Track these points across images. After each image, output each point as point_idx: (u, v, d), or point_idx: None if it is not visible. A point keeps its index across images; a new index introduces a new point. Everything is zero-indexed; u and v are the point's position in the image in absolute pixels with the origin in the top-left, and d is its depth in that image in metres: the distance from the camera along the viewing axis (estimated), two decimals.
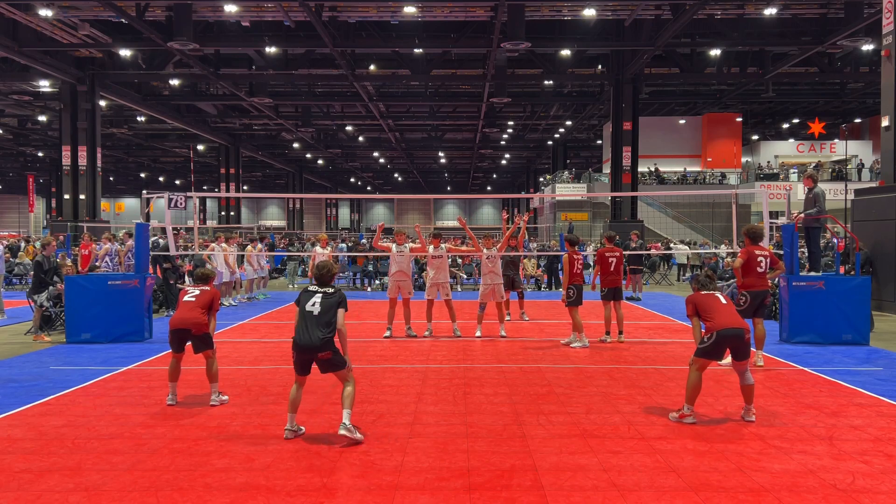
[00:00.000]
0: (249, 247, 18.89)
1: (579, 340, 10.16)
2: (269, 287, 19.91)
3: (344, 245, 28.23)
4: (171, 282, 14.20)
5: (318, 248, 15.93)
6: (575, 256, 10.23)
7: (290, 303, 16.96)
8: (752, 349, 8.77)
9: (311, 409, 6.62)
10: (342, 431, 5.52)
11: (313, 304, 5.66)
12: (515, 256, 13.10)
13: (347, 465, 5.05)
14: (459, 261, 22.19)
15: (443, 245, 11.43)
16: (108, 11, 21.54)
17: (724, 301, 6.30)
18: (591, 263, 26.86)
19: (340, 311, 5.67)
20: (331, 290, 5.79)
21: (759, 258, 8.58)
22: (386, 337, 11.09)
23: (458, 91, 34.90)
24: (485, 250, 11.27)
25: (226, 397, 7.01)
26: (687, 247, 24.84)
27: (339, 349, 5.69)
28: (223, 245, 15.97)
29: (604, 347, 10.19)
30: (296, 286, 22.23)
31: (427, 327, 11.41)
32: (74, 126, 28.49)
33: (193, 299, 6.94)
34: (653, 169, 40.26)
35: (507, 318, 11.89)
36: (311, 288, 5.87)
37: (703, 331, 6.26)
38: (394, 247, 11.26)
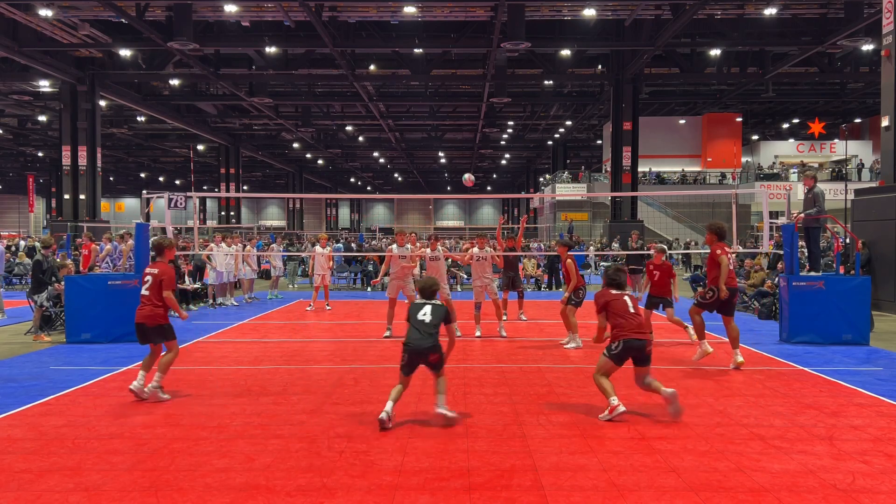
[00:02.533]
0: (248, 246, 18.90)
1: (574, 341, 10.16)
2: (258, 288, 19.85)
3: (341, 245, 28.22)
4: None
5: (318, 248, 15.99)
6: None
7: (289, 303, 16.97)
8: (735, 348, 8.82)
9: (312, 408, 6.62)
10: (439, 410, 6.12)
11: (424, 314, 6.26)
12: (515, 257, 13.12)
13: (347, 465, 5.05)
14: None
15: (439, 248, 11.46)
16: (108, 11, 21.54)
17: (631, 307, 6.38)
18: (592, 264, 26.88)
19: (454, 325, 6.29)
20: (438, 303, 6.44)
21: (731, 255, 8.76)
22: (386, 337, 11.08)
23: (458, 91, 34.90)
24: (475, 250, 11.40)
25: (166, 396, 6.95)
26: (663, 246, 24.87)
27: (444, 352, 6.29)
28: (222, 245, 15.97)
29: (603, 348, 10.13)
30: (296, 286, 22.23)
31: None
32: (74, 126, 28.48)
33: (147, 292, 6.97)
34: (646, 170, 40.12)
35: (504, 317, 11.88)
36: (419, 301, 6.52)
37: (608, 337, 6.37)
38: (394, 247, 11.32)
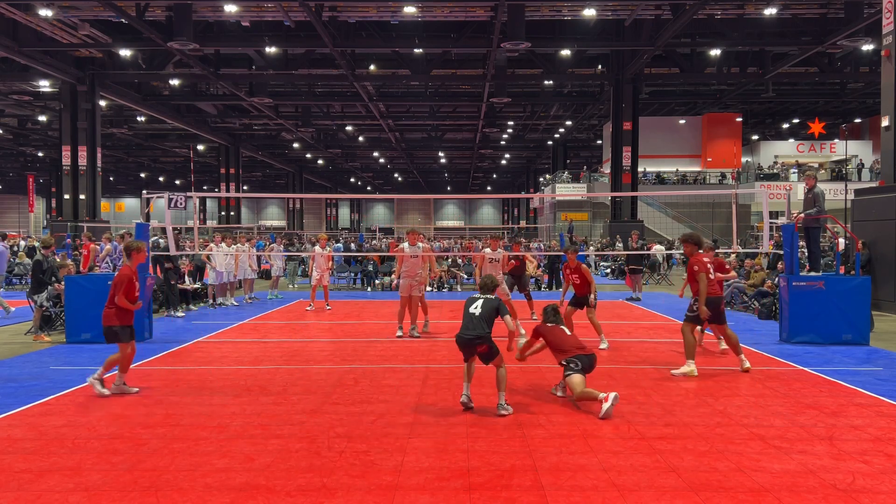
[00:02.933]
0: (248, 246, 18.88)
1: (603, 342, 10.01)
2: (258, 288, 19.87)
3: (340, 245, 28.22)
4: (172, 282, 14.20)
5: (317, 248, 15.99)
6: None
7: (289, 303, 16.97)
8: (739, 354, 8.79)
9: (312, 408, 6.62)
10: (500, 412, 6.41)
11: (476, 307, 6.60)
12: (520, 262, 13.41)
13: (347, 465, 5.05)
14: (460, 261, 22.20)
15: (419, 244, 11.43)
16: (108, 11, 21.55)
17: (568, 332, 7.07)
18: (591, 264, 26.89)
19: (508, 316, 6.65)
20: (492, 297, 6.74)
21: (709, 265, 8.26)
22: (398, 337, 11.03)
23: (458, 91, 34.91)
24: (488, 251, 11.59)
25: (136, 389, 7.27)
26: (663, 247, 24.88)
27: (493, 342, 6.56)
28: (222, 245, 15.96)
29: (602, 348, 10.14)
30: (296, 286, 22.23)
31: (412, 325, 11.30)
32: (74, 126, 28.49)
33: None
34: (642, 170, 39.98)
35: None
36: (476, 295, 6.86)
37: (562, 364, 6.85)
38: (406, 246, 11.42)
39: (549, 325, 7.05)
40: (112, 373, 7.34)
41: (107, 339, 7.32)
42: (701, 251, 8.44)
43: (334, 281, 21.21)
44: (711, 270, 8.21)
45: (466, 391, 6.65)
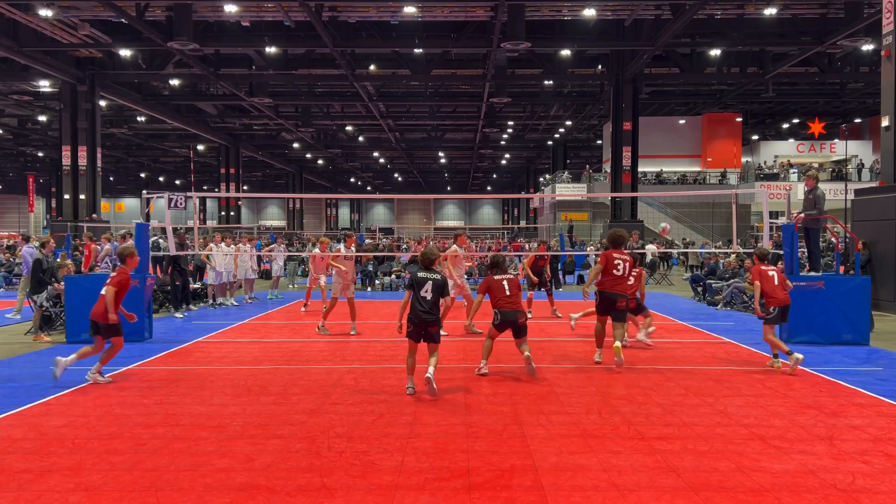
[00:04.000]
0: (249, 246, 18.86)
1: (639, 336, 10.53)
2: (258, 288, 19.86)
3: (341, 245, 28.20)
4: (177, 282, 14.21)
5: (316, 250, 15.99)
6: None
7: (289, 303, 16.97)
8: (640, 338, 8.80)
9: (312, 408, 6.62)
10: (427, 375, 7.02)
11: (426, 291, 7.10)
12: (539, 262, 13.88)
13: (347, 465, 5.05)
14: None
15: (353, 246, 12.10)
16: (108, 11, 21.55)
17: (507, 290, 8.04)
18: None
19: (448, 297, 7.85)
20: (437, 277, 7.23)
21: (617, 262, 8.68)
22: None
23: (458, 91, 34.90)
24: (455, 247, 12.22)
25: (108, 378, 7.76)
26: (654, 247, 24.86)
27: (440, 324, 7.35)
28: (222, 245, 15.96)
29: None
30: (296, 286, 22.22)
31: (352, 326, 11.63)
32: (74, 126, 28.49)
33: (104, 291, 7.74)
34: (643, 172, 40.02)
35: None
36: (422, 274, 7.26)
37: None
38: (457, 248, 12.06)
39: (497, 276, 8.18)
40: (82, 365, 7.79)
41: (105, 334, 7.69)
42: (763, 263, 9.01)
43: (329, 280, 21.16)
44: (775, 279, 8.80)
45: (412, 383, 7.25)
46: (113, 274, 7.89)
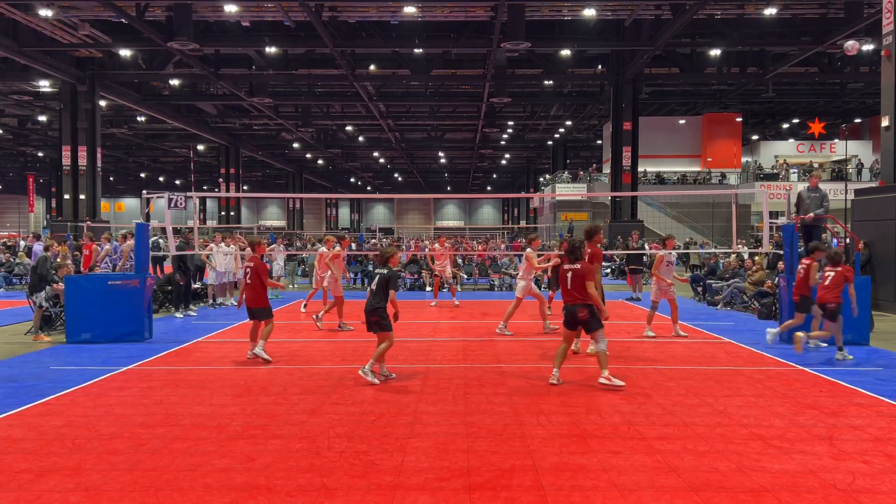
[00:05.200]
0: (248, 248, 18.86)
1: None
2: None
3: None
4: (181, 282, 14.21)
5: (323, 249, 15.96)
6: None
7: (289, 303, 16.96)
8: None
9: (312, 408, 6.62)
10: (360, 372, 7.69)
11: (373, 283, 7.76)
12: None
13: (347, 465, 5.05)
14: (460, 261, 22.19)
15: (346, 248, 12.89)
16: (108, 11, 21.53)
17: (569, 282, 7.52)
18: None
19: (392, 291, 7.78)
20: (384, 271, 7.81)
21: (827, 274, 9.29)
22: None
23: (458, 91, 34.89)
24: (437, 246, 14.70)
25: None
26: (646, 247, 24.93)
27: (387, 315, 7.74)
28: (222, 245, 15.95)
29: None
30: (296, 286, 22.22)
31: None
32: (74, 126, 28.47)
33: (249, 281, 9.15)
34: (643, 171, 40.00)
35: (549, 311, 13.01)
36: (377, 270, 7.94)
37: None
38: (437, 246, 14.54)
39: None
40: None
41: (260, 318, 9.13)
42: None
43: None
44: (829, 279, 9.19)
45: (378, 367, 7.84)
46: (250, 265, 9.10)
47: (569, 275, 7.52)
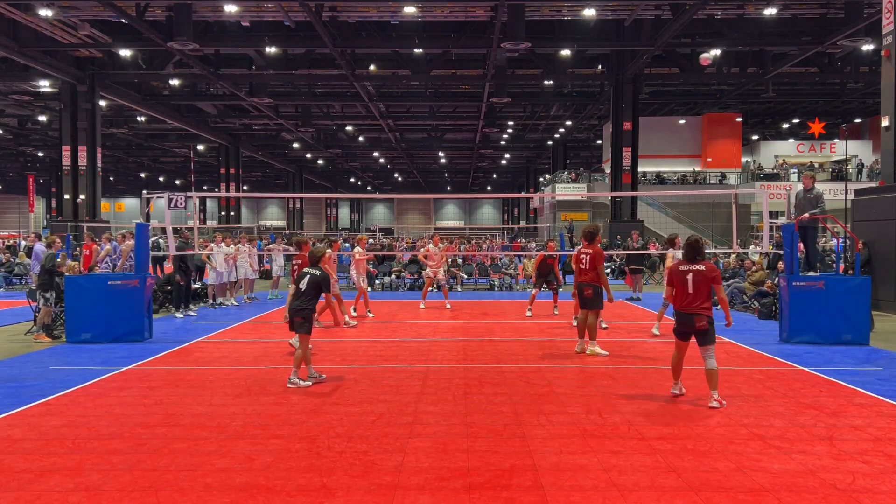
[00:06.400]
0: (249, 246, 18.85)
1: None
2: (258, 288, 19.83)
3: (348, 245, 28.20)
4: (182, 282, 14.21)
5: (329, 251, 16.03)
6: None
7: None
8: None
9: (312, 408, 6.62)
10: (289, 385, 7.50)
11: (303, 283, 7.65)
12: (548, 263, 14.23)
13: (347, 465, 5.05)
14: (460, 261, 22.18)
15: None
16: (108, 11, 21.53)
17: (690, 286, 6.64)
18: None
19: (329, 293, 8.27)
20: (316, 273, 7.72)
21: (582, 256, 9.54)
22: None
23: (458, 91, 34.89)
24: (430, 246, 15.29)
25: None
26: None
27: (311, 318, 7.70)
28: (222, 245, 15.95)
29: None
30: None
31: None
32: (74, 126, 28.47)
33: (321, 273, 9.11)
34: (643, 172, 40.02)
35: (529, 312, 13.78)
36: (306, 270, 7.85)
37: None
38: (430, 246, 15.12)
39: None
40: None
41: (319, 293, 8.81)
42: None
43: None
44: (584, 260, 9.56)
45: (311, 370, 7.82)
46: (298, 261, 9.36)
47: (689, 277, 6.71)
